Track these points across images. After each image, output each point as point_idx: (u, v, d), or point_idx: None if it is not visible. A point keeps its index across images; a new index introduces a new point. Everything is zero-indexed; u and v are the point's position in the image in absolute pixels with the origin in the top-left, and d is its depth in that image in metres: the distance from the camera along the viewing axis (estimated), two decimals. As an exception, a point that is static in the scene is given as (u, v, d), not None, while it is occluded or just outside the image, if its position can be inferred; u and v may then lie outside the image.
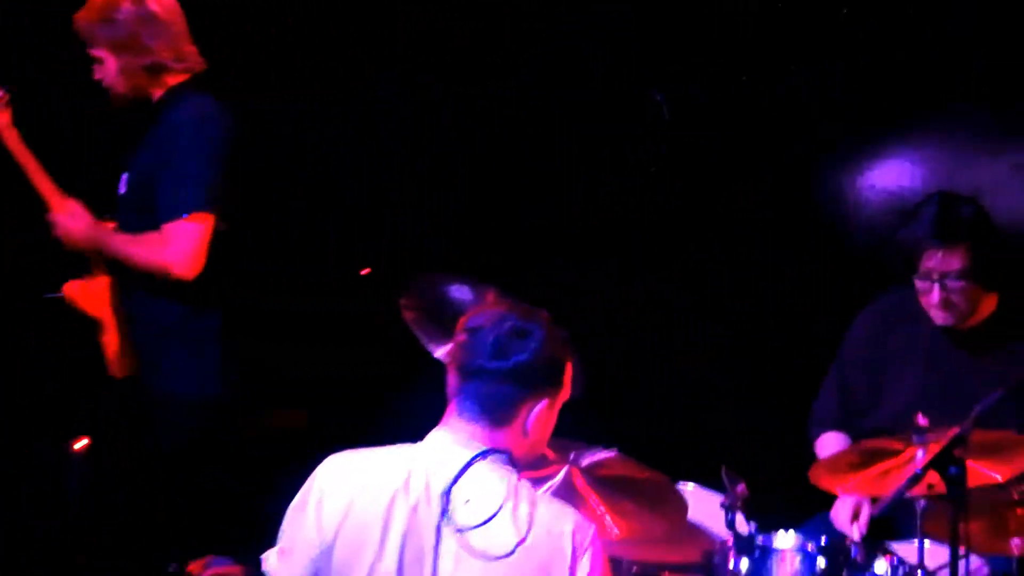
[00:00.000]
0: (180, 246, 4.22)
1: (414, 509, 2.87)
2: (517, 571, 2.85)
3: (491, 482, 2.87)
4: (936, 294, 4.08)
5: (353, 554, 2.85)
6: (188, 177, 4.28)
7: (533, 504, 2.90)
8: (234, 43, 7.28)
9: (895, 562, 3.68)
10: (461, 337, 2.89)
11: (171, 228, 4.23)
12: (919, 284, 4.14)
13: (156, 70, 4.38)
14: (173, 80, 4.44)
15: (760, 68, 7.03)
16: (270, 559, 2.99)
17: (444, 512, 2.86)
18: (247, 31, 7.36)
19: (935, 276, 4.10)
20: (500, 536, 2.86)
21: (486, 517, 2.84)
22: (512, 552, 2.84)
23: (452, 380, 2.93)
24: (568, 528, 2.90)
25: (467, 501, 2.85)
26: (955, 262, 4.07)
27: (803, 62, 6.92)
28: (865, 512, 3.99)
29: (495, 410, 2.90)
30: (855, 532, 3.97)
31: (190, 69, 4.50)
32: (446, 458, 2.88)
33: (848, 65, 6.84)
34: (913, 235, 4.14)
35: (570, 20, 7.45)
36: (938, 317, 4.15)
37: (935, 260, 4.08)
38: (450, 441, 2.90)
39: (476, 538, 2.85)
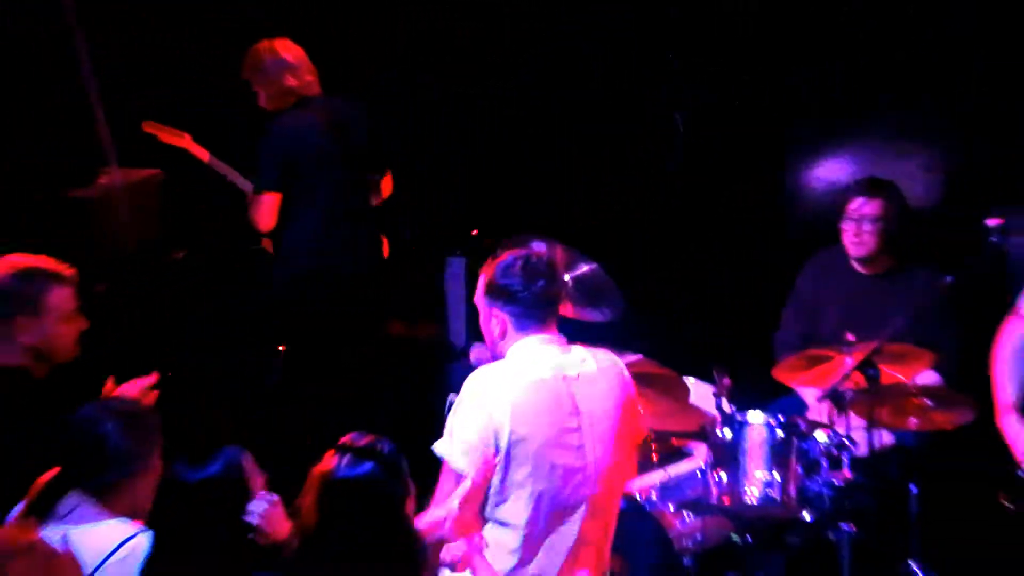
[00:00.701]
0: (254, 212, 6.11)
1: (552, 390, 3.91)
2: (614, 395, 4.02)
3: (573, 353, 4.03)
4: (852, 230, 5.53)
5: (524, 434, 3.84)
6: (258, 168, 6.12)
7: (596, 355, 4.06)
8: (235, 44, 7.30)
9: (830, 433, 4.95)
10: (527, 276, 3.97)
11: (254, 200, 6.13)
12: (844, 225, 5.57)
13: (287, 94, 6.13)
14: (295, 99, 6.16)
15: (760, 68, 7.05)
16: (443, 446, 3.87)
17: (569, 383, 3.94)
18: (248, 32, 7.37)
19: (855, 216, 5.54)
20: (597, 381, 4.00)
21: (588, 373, 3.99)
22: (608, 387, 4.01)
23: (510, 307, 3.96)
24: (617, 360, 4.13)
25: (575, 377, 3.95)
26: (871, 209, 5.52)
27: (801, 62, 6.94)
28: (826, 409, 5.12)
29: (556, 310, 4.05)
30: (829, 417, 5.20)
31: (306, 92, 6.17)
32: (547, 352, 3.97)
33: (848, 65, 6.87)
34: (847, 189, 5.65)
35: (570, 20, 7.46)
36: (852, 249, 5.57)
37: (857, 204, 5.54)
38: (543, 340, 3.97)
39: (589, 389, 3.97)
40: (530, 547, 3.88)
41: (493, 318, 4.01)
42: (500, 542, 3.87)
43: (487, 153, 7.85)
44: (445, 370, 6.93)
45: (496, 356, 4.04)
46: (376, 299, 6.45)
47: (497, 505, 3.87)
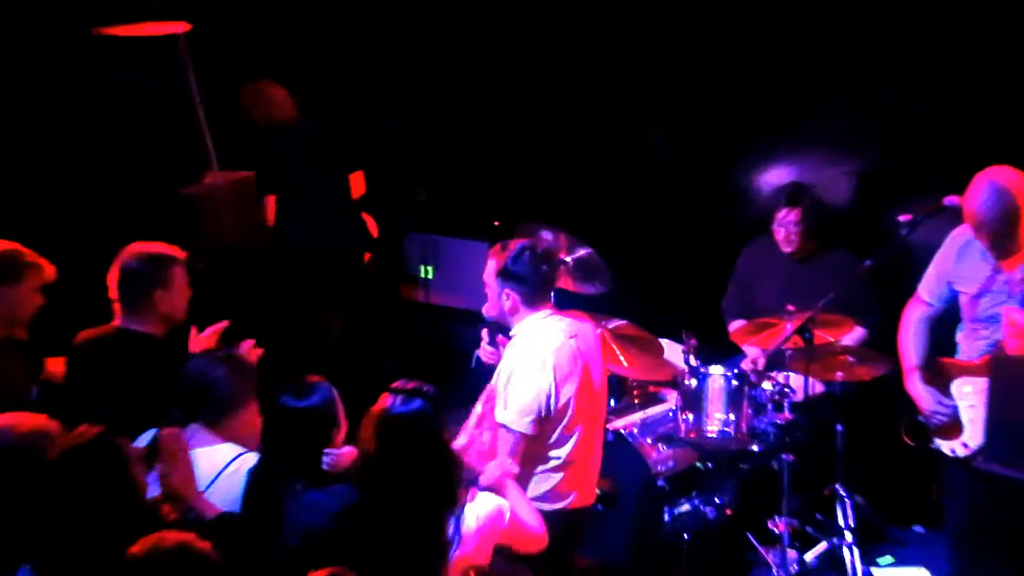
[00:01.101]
0: (259, 210, 7.30)
1: (570, 350, 4.86)
2: (597, 346, 5.04)
3: (565, 320, 4.98)
4: (782, 233, 6.61)
5: (565, 389, 4.82)
6: (256, 176, 7.37)
7: (578, 319, 5.02)
8: (234, 45, 7.31)
9: (775, 384, 6.04)
10: (534, 263, 4.86)
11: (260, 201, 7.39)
12: (774, 228, 6.65)
13: (272, 120, 7.29)
14: (277, 124, 7.33)
15: (760, 68, 7.05)
16: (504, 414, 4.74)
17: (575, 343, 4.89)
18: (247, 32, 7.38)
19: (783, 223, 6.61)
20: (587, 338, 5.00)
21: (581, 333, 4.96)
22: (593, 341, 5.03)
23: (520, 287, 4.85)
24: (590, 324, 5.12)
25: (574, 336, 4.91)
26: (794, 216, 6.56)
27: (802, 62, 6.94)
28: (760, 360, 6.33)
29: (553, 288, 4.98)
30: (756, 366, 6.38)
31: (287, 116, 7.32)
32: (552, 322, 4.92)
33: (848, 65, 6.88)
34: (775, 200, 6.66)
35: (570, 20, 7.46)
36: (783, 246, 6.65)
37: (783, 213, 6.59)
38: (547, 314, 4.92)
39: (585, 345, 4.94)
40: (568, 471, 4.91)
41: (504, 295, 4.91)
42: (548, 471, 4.89)
43: (487, 153, 7.86)
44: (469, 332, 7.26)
45: (505, 323, 4.97)
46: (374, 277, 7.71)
47: (551, 448, 4.87)
